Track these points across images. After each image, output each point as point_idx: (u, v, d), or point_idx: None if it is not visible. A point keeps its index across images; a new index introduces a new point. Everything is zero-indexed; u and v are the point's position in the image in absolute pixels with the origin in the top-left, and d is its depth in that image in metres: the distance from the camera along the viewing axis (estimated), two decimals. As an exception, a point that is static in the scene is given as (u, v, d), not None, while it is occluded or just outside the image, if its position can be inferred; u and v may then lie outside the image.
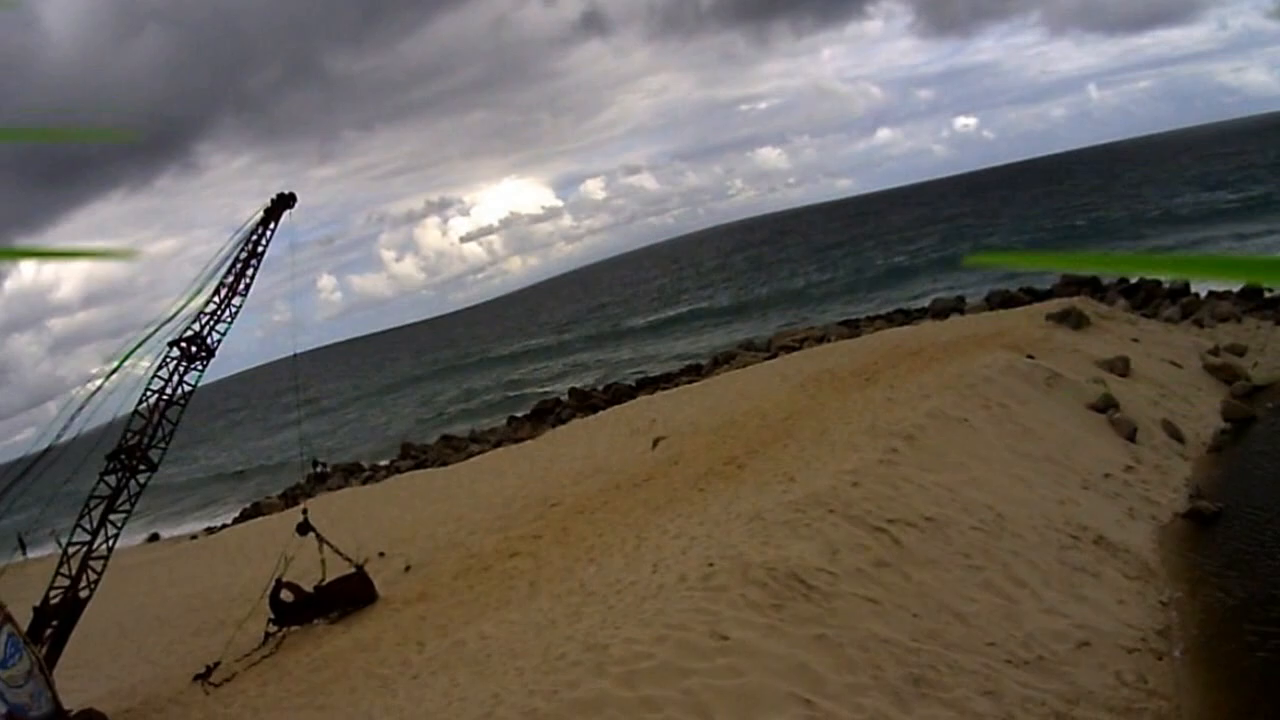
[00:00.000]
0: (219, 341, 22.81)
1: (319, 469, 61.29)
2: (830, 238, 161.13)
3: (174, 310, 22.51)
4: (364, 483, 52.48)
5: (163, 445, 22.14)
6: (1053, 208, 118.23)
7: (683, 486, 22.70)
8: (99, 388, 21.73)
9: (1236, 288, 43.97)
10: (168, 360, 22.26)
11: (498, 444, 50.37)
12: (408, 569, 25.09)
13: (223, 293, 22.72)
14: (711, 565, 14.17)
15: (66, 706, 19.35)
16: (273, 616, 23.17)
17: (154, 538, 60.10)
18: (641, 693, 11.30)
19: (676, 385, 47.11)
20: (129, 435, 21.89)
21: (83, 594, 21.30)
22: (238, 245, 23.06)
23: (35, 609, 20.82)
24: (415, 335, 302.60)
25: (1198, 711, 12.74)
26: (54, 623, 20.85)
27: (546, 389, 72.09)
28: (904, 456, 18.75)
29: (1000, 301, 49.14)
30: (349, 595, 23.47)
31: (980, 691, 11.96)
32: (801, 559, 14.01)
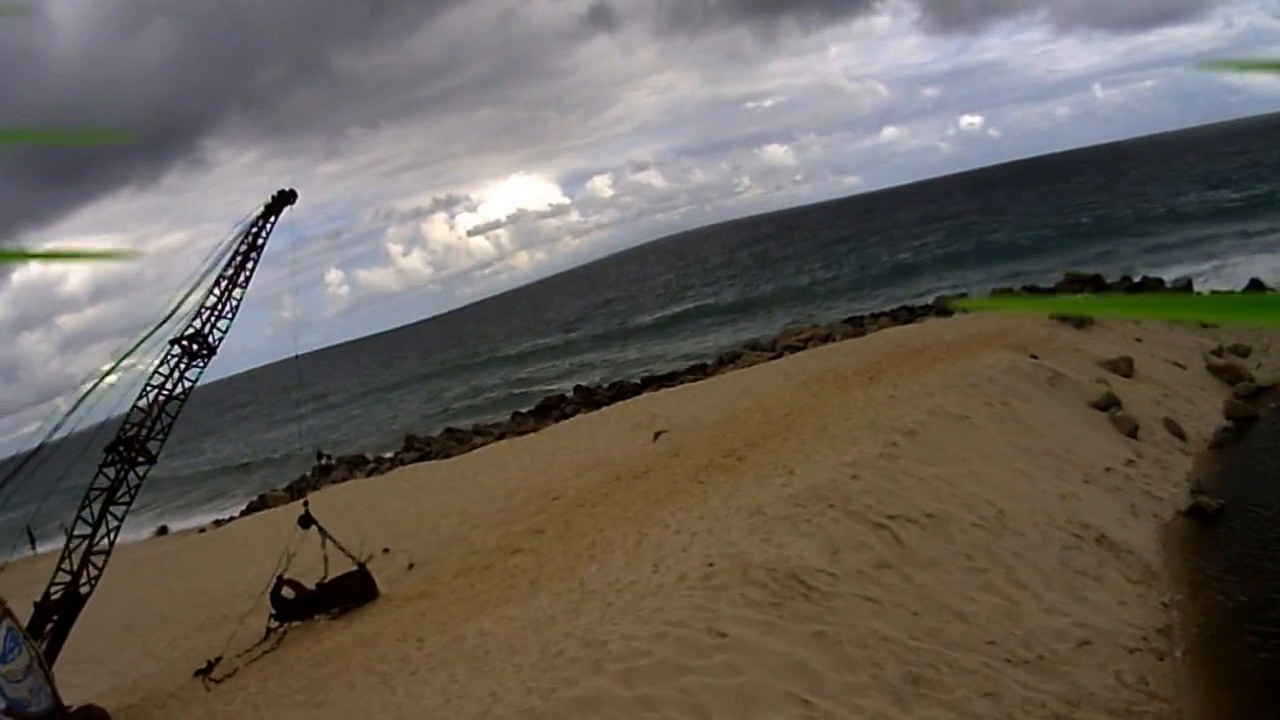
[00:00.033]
0: (220, 339, 22.87)
1: (324, 461, 61.41)
2: (836, 233, 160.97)
3: (173, 306, 22.58)
4: (368, 474, 52.60)
5: (161, 438, 22.21)
6: (1058, 205, 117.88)
7: (683, 478, 22.76)
8: (98, 383, 21.87)
9: (1240, 288, 44.06)
10: (169, 357, 22.35)
11: (500, 437, 50.53)
12: (411, 566, 25.18)
13: (223, 285, 22.81)
14: (711, 565, 14.21)
15: (68, 702, 19.36)
16: (274, 612, 23.31)
17: (162, 531, 60.25)
18: (639, 691, 11.31)
19: (681, 384, 47.17)
20: (127, 428, 21.98)
21: (83, 589, 21.31)
22: (237, 240, 23.16)
23: (36, 604, 20.89)
24: (423, 334, 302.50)
25: (1199, 714, 12.71)
26: (54, 618, 20.90)
27: (552, 387, 72.13)
28: (904, 450, 18.76)
29: (1004, 299, 49.07)
30: (350, 593, 23.57)
31: (980, 692, 11.95)
32: (802, 559, 14.03)
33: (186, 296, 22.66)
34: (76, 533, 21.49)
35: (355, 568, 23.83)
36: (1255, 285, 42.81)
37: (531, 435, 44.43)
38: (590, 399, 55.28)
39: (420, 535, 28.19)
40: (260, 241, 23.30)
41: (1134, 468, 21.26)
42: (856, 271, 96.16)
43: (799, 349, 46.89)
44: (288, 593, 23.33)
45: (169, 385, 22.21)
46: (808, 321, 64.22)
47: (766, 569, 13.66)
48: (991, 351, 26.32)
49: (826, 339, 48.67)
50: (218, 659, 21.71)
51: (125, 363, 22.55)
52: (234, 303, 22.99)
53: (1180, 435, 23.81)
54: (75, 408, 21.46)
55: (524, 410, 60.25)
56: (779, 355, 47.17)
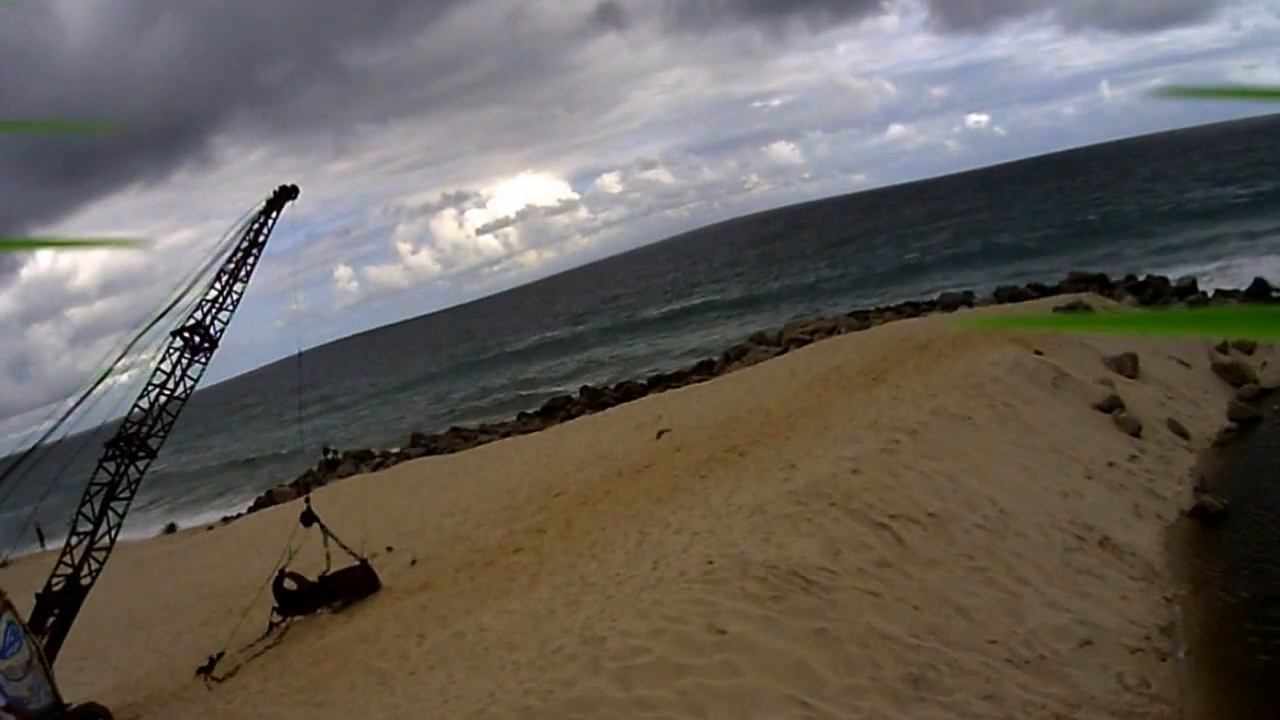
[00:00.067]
0: (221, 331, 22.84)
1: (330, 456, 61.69)
2: (844, 231, 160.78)
3: (174, 298, 22.61)
4: (374, 469, 52.77)
5: (161, 434, 22.23)
6: (1064, 202, 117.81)
7: (684, 474, 22.77)
8: (104, 375, 21.91)
9: (1244, 287, 43.97)
10: (170, 351, 22.33)
11: (506, 436, 50.61)
12: (413, 563, 25.28)
13: (224, 279, 22.85)
14: (711, 563, 14.26)
15: (70, 700, 19.36)
16: (276, 605, 23.39)
17: (171, 529, 60.41)
18: (636, 693, 11.30)
19: (688, 384, 47.20)
20: (128, 425, 22.01)
21: (84, 582, 21.39)
22: (239, 235, 23.21)
23: (38, 596, 20.92)
24: (432, 327, 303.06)
25: (1200, 715, 12.67)
26: (55, 611, 20.92)
27: (559, 388, 72.26)
28: (905, 446, 18.78)
29: (1009, 296, 49.10)
30: (352, 586, 23.64)
31: (980, 695, 11.96)
32: (803, 558, 14.07)
33: (187, 290, 22.68)
34: (78, 528, 21.50)
35: (357, 564, 23.94)
36: (1259, 285, 42.68)
37: (535, 434, 44.53)
38: (596, 400, 55.35)
39: (424, 533, 28.24)
40: (261, 238, 23.30)
41: (1137, 463, 21.25)
42: (862, 270, 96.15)
43: (804, 342, 46.86)
44: (290, 585, 23.39)
45: (170, 384, 22.21)
46: (813, 316, 64.08)
47: (767, 567, 13.67)
48: (996, 347, 26.24)
49: (832, 332, 48.65)
50: (219, 655, 21.70)
51: (131, 358, 22.55)
52: (235, 296, 22.98)
53: (1183, 435, 23.83)
54: (83, 399, 21.52)
55: (530, 411, 60.35)
56: (784, 350, 47.13)
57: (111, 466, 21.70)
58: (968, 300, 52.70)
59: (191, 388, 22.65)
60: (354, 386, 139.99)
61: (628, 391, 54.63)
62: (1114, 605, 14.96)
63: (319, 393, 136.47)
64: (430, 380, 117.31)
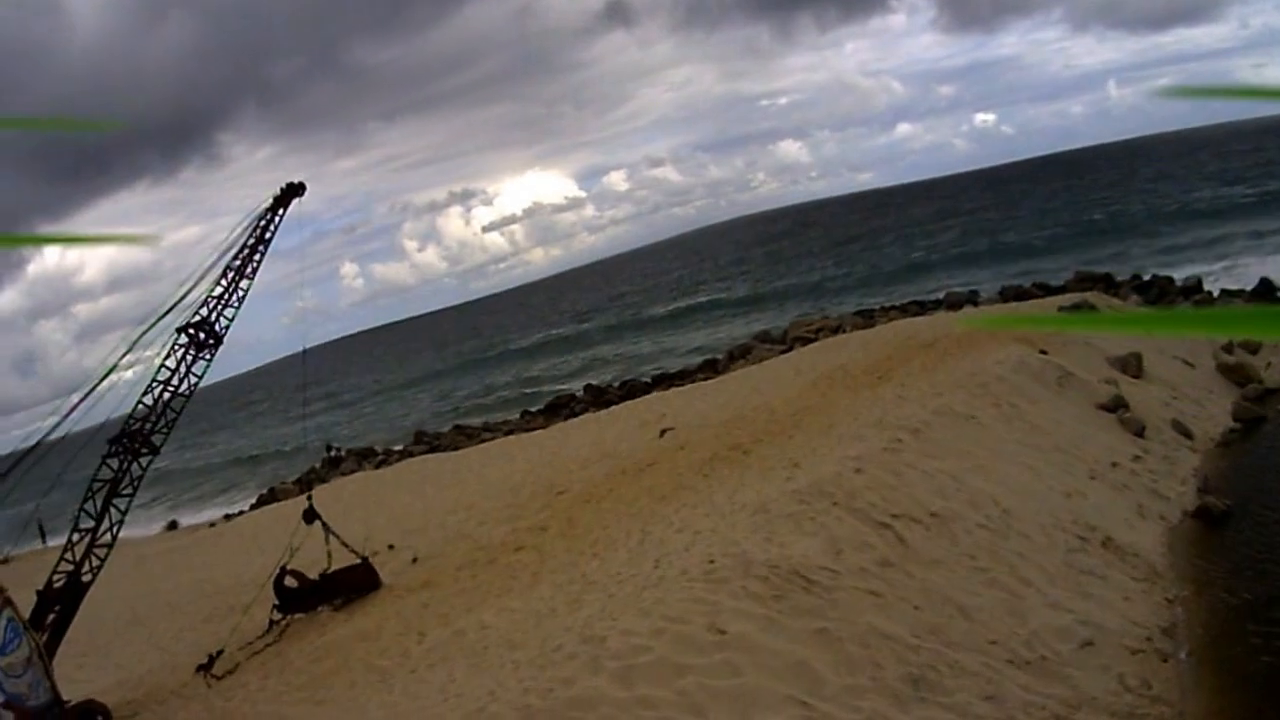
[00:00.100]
0: (227, 328, 22.79)
1: (333, 453, 61.80)
2: (850, 231, 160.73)
3: (180, 294, 22.57)
4: (377, 466, 52.78)
5: (165, 430, 22.19)
6: (1071, 200, 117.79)
7: (687, 471, 22.75)
8: (110, 370, 21.89)
9: (1250, 286, 43.88)
10: (176, 348, 22.27)
11: (509, 433, 50.59)
12: (415, 561, 25.27)
13: (230, 276, 22.81)
14: (713, 562, 14.22)
15: (68, 697, 19.32)
16: (277, 603, 23.35)
17: (173, 525, 60.45)
18: (637, 692, 11.31)
19: (692, 382, 47.21)
20: (132, 421, 21.97)
21: (85, 578, 21.35)
22: (246, 231, 23.17)
23: (39, 592, 20.89)
24: (438, 324, 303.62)
25: (1201, 717, 12.64)
26: (56, 608, 20.88)
27: (563, 386, 72.33)
28: (909, 445, 18.75)
29: (1014, 295, 49.06)
30: (353, 583, 23.63)
31: (981, 696, 11.92)
32: (805, 557, 14.04)
33: (193, 286, 22.64)
34: (80, 525, 21.46)
35: (358, 562, 23.92)
36: (1265, 285, 42.57)
37: (539, 431, 44.53)
38: (600, 398, 55.36)
39: (426, 531, 28.22)
40: (268, 235, 23.26)
41: (1141, 463, 21.22)
42: (868, 269, 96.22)
43: (810, 340, 46.83)
44: (290, 582, 23.36)
45: (175, 380, 22.16)
46: (819, 314, 64.04)
47: (769, 565, 13.64)
48: (1001, 346, 26.20)
49: (837, 330, 48.61)
50: (219, 653, 21.67)
51: (136, 355, 22.51)
52: (241, 293, 22.93)
53: (1187, 435, 23.78)
54: (86, 395, 21.49)
55: (534, 409, 60.38)
56: (789, 348, 47.11)
57: (115, 463, 21.65)
58: (973, 299, 52.68)
59: (196, 384, 22.59)
60: (359, 383, 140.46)
61: (632, 389, 54.65)
62: (1116, 606, 14.92)
63: (324, 390, 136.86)
64: (435, 377, 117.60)
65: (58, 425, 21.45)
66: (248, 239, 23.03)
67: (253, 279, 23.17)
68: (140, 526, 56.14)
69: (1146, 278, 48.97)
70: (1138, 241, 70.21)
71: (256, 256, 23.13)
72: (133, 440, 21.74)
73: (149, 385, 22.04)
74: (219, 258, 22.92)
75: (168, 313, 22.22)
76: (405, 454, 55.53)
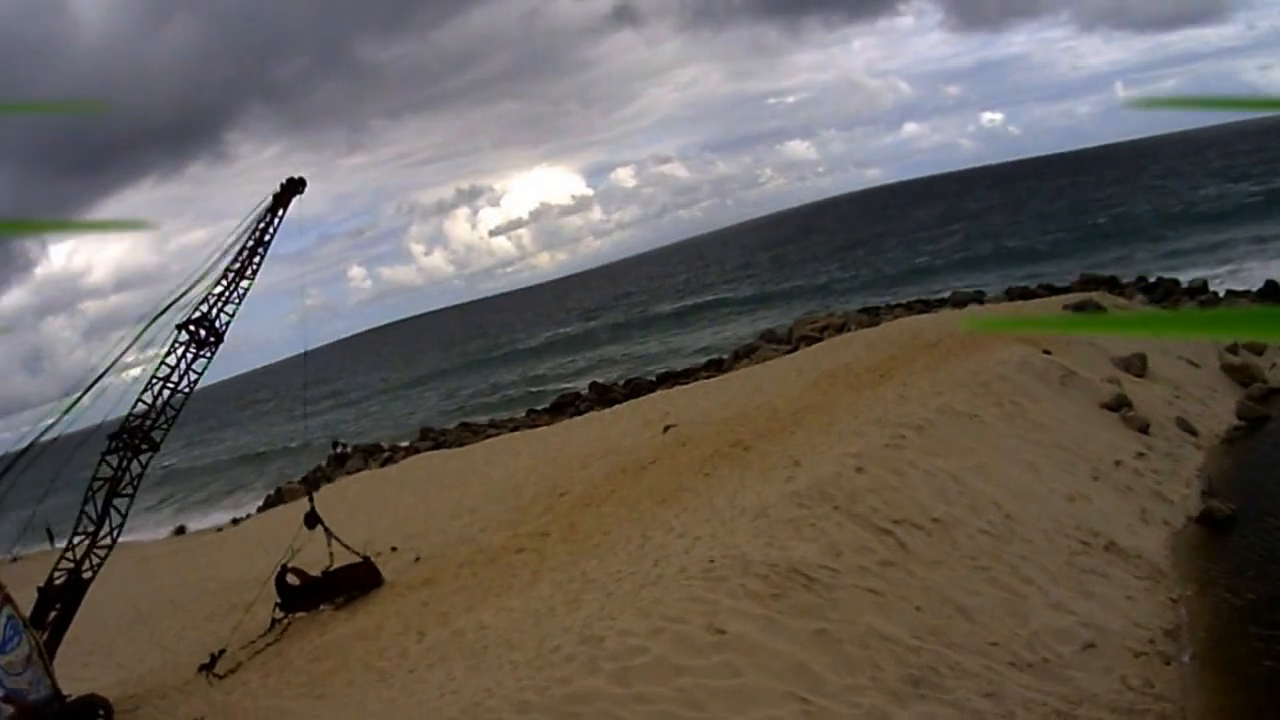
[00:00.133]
0: (227, 325, 22.65)
1: (339, 450, 61.68)
2: (855, 235, 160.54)
3: (180, 292, 22.50)
4: (383, 464, 52.69)
5: (165, 427, 22.12)
6: (1077, 199, 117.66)
7: (689, 471, 22.73)
8: (112, 364, 21.87)
9: (1256, 287, 43.77)
10: (176, 345, 22.14)
11: (514, 431, 50.59)
12: (417, 560, 25.29)
13: (230, 276, 22.74)
14: (712, 561, 14.20)
15: (69, 693, 19.37)
16: (279, 601, 23.36)
17: (180, 530, 60.33)
18: (634, 690, 11.32)
19: (696, 380, 47.19)
20: (131, 419, 21.89)
21: (85, 575, 21.30)
22: (247, 228, 23.06)
23: (39, 590, 20.86)
24: (445, 323, 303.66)
25: (1202, 716, 12.63)
26: (57, 606, 20.84)
27: (569, 385, 72.29)
28: (911, 443, 18.71)
29: (1019, 295, 48.98)
30: (355, 581, 23.63)
31: (981, 694, 11.95)
32: (805, 559, 14.04)
33: (195, 284, 22.53)
34: (81, 528, 21.38)
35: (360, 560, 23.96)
36: (1271, 287, 42.42)
37: (543, 428, 44.53)
38: (605, 396, 55.30)
39: (429, 535, 28.15)
40: (267, 238, 23.10)
41: (1144, 461, 21.14)
42: (873, 273, 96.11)
43: (814, 339, 46.73)
44: (292, 580, 23.35)
45: (175, 378, 22.07)
46: (824, 312, 63.88)
47: (768, 564, 13.63)
48: (1004, 345, 26.14)
49: (842, 328, 48.40)
50: (221, 652, 21.65)
51: (139, 353, 22.47)
52: (242, 290, 22.79)
53: (1192, 432, 23.75)
54: (84, 393, 21.43)
55: (539, 408, 60.37)
56: (794, 348, 46.99)
57: (114, 460, 21.55)
58: (978, 298, 52.58)
59: (196, 382, 22.45)
60: (365, 382, 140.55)
61: (636, 388, 54.62)
62: (1119, 606, 14.87)
63: (330, 388, 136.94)
64: (441, 376, 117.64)
65: (53, 424, 21.37)
66: (247, 241, 22.91)
67: (253, 279, 23.03)
68: (147, 530, 56.23)
69: (1151, 279, 48.88)
70: (1142, 245, 70.01)
71: (256, 258, 22.99)
72: (133, 436, 21.65)
73: (149, 382, 21.95)
74: (220, 256, 22.85)
75: (166, 309, 22.10)
76: (411, 450, 55.54)
